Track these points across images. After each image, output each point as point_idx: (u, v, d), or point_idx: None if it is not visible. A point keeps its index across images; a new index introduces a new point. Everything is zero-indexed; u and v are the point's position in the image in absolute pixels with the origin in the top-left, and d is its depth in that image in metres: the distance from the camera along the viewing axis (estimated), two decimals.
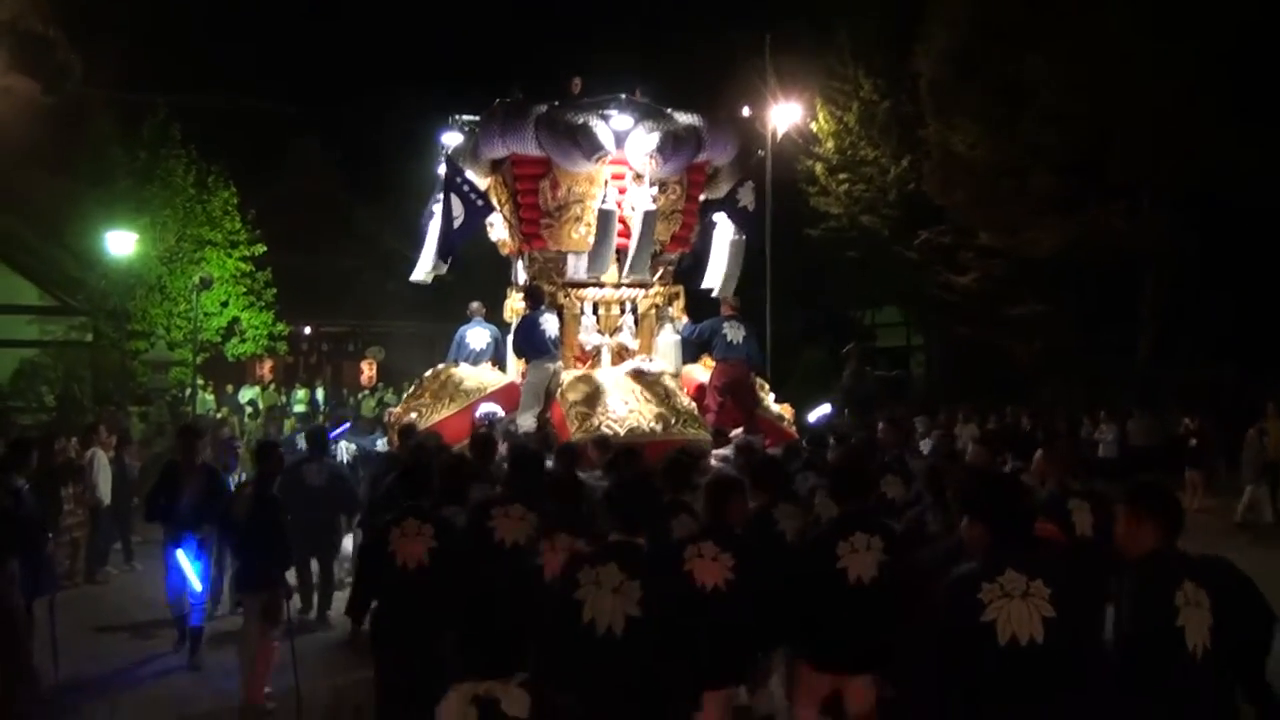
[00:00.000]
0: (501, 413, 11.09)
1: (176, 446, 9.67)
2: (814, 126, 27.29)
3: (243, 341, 26.59)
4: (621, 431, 10.31)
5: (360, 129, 37.64)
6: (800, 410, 14.00)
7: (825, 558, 5.29)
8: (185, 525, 8.94)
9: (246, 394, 28.05)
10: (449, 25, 42.31)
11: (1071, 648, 3.75)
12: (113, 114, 25.19)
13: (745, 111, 26.37)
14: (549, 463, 7.74)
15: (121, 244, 22.21)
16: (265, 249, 26.12)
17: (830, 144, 27.27)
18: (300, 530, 9.02)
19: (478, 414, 11.09)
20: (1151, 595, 3.91)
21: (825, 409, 14.21)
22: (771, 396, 13.15)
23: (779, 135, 25.96)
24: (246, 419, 25.50)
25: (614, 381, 11.24)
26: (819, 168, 27.29)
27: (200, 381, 26.16)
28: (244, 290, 26.16)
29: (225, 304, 25.85)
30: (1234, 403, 20.98)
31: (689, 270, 13.27)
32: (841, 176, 27.18)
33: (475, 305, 13.21)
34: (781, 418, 12.69)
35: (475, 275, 15.97)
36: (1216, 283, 22.97)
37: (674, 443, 9.60)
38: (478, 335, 12.82)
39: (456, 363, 12.61)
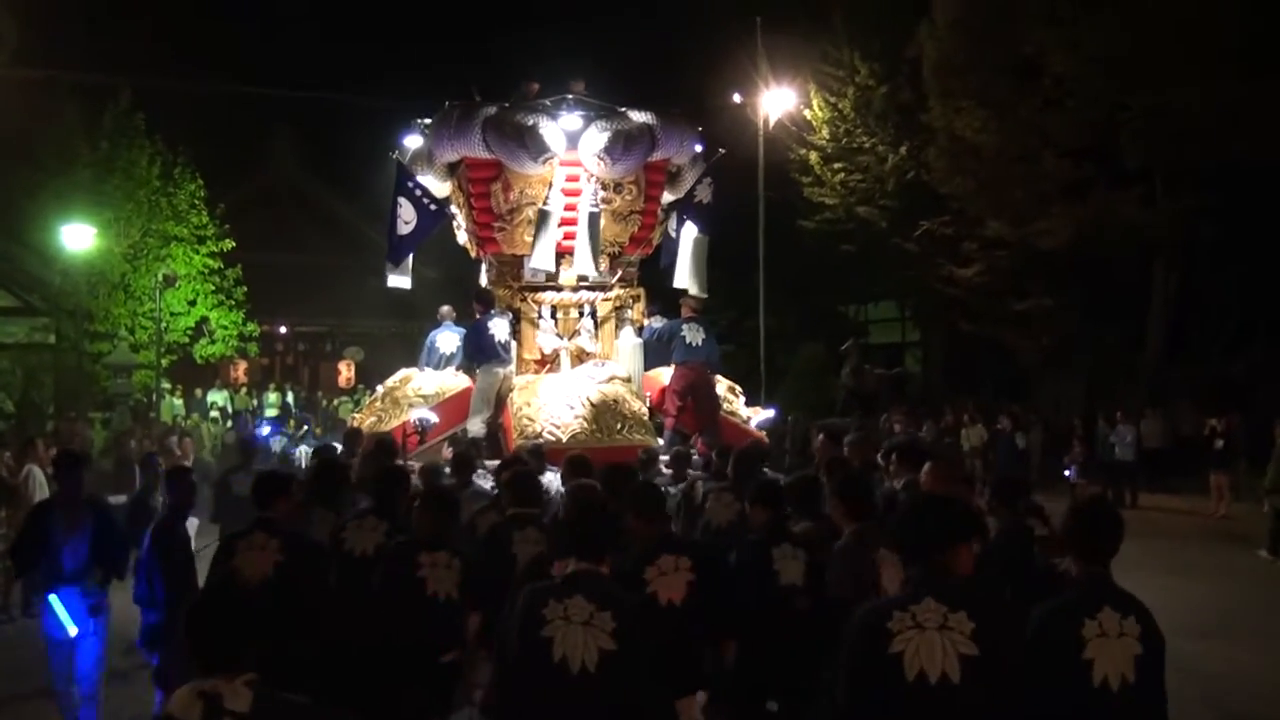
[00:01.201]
0: (434, 418, 10.98)
1: (55, 476, 7.62)
2: (808, 114, 26.32)
3: (212, 342, 25.33)
4: (564, 438, 10.21)
5: (338, 120, 36.45)
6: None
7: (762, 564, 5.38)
8: (63, 578, 6.84)
9: (214, 397, 26.83)
10: (437, 12, 41.26)
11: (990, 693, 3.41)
12: (76, 101, 23.86)
13: (736, 98, 25.67)
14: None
15: (78, 238, 21.03)
16: (234, 244, 24.88)
17: (825, 132, 26.26)
18: None
19: (411, 419, 10.89)
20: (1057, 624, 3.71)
21: (769, 412, 13.42)
22: (742, 400, 12.92)
23: (771, 123, 25.02)
24: (210, 423, 24.41)
25: (562, 386, 11.08)
26: (813, 157, 26.31)
27: (167, 385, 25.05)
28: (212, 288, 24.93)
29: (193, 303, 24.65)
30: (1248, 401, 20.13)
31: (666, 270, 12.87)
32: (837, 166, 26.26)
33: (445, 309, 13.18)
34: (772, 423, 12.56)
35: (458, 275, 15.47)
36: (1229, 275, 22.04)
37: (617, 449, 9.79)
38: (447, 339, 12.72)
39: (423, 367, 12.55)
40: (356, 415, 13.22)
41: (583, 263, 11.23)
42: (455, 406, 11.52)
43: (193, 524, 8.48)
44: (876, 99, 25.75)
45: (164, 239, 24.04)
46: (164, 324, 23.53)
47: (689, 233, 12.33)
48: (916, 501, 3.94)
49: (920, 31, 22.72)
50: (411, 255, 12.21)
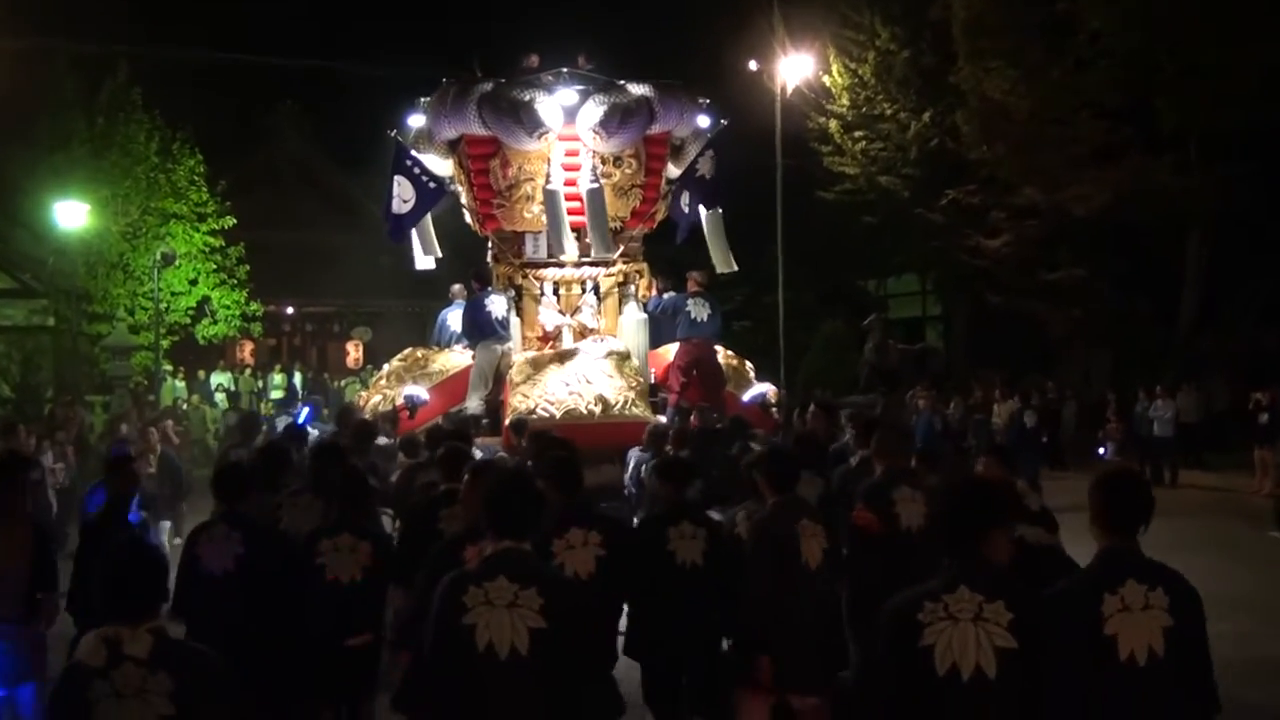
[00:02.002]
0: (425, 396, 11.05)
1: None
2: (827, 81, 25.37)
3: (214, 323, 24.61)
4: (558, 414, 10.18)
5: (343, 95, 35.68)
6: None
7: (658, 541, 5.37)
8: None
9: (218, 379, 26.12)
10: None
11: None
12: (73, 76, 23.09)
13: (752, 66, 24.79)
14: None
15: (72, 216, 20.31)
16: (235, 221, 24.16)
17: (845, 99, 25.31)
18: None
19: (400, 397, 10.96)
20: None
21: (762, 387, 12.96)
22: (752, 375, 12.97)
23: (789, 91, 24.16)
24: (210, 406, 23.72)
25: (560, 362, 11.07)
26: (833, 125, 25.38)
27: (169, 367, 24.38)
28: (214, 267, 24.20)
29: (194, 282, 23.94)
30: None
31: (688, 249, 12.94)
32: (857, 134, 25.34)
33: (456, 288, 13.00)
34: (765, 398, 12.39)
35: (471, 253, 15.31)
36: (1265, 244, 21.13)
37: (612, 424, 9.94)
38: (458, 317, 12.46)
39: (434, 346, 12.63)
40: (362, 394, 13.32)
41: (597, 242, 11.27)
42: (459, 384, 11.49)
43: (164, 526, 7.74)
44: (898, 64, 24.83)
45: (163, 217, 23.36)
46: (164, 304, 22.83)
47: (704, 210, 12.07)
48: (951, 485, 3.61)
49: None
50: (434, 235, 12.22)
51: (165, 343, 23.35)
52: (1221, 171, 20.40)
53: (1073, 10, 20.18)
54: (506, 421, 9.98)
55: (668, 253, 14.00)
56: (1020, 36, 20.87)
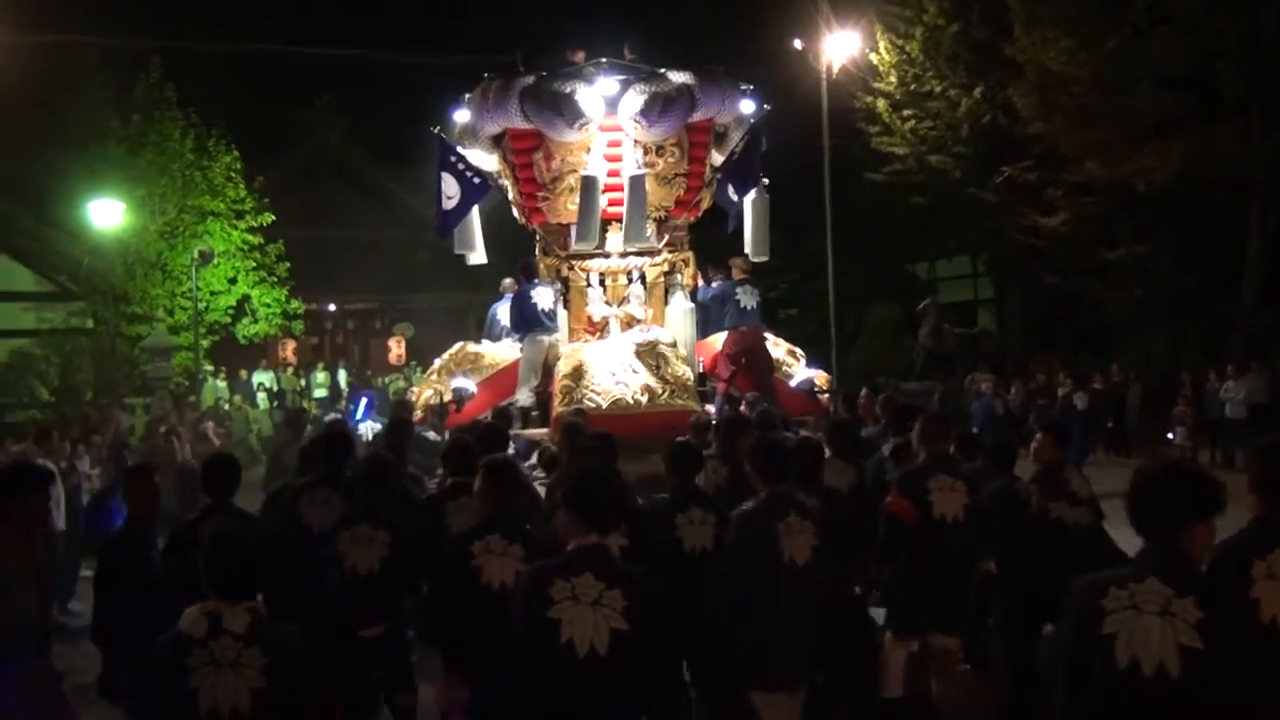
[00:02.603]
0: (473, 388, 11.08)
1: None
2: (874, 58, 24.71)
3: (255, 321, 24.23)
4: (604, 405, 10.11)
5: (381, 91, 35.24)
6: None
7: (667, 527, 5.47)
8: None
9: (260, 378, 25.79)
10: None
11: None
12: (105, 74, 22.75)
13: (797, 45, 24.23)
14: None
15: (107, 215, 19.98)
16: (274, 218, 23.73)
17: (893, 77, 24.62)
18: None
19: (451, 388, 10.99)
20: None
21: (811, 372, 12.70)
22: (802, 363, 12.68)
23: (834, 70, 23.58)
24: (260, 404, 23.39)
25: (605, 353, 10.90)
26: (881, 104, 24.72)
27: (209, 367, 24.09)
28: (253, 265, 23.79)
29: (233, 281, 23.53)
30: None
31: (735, 238, 12.54)
32: (906, 113, 24.68)
33: (507, 281, 12.92)
34: (813, 384, 12.12)
35: (511, 247, 15.01)
36: None
37: (658, 414, 9.86)
38: (508, 311, 12.21)
39: (485, 339, 12.56)
40: (415, 389, 13.26)
41: (633, 231, 11.07)
42: (507, 378, 11.50)
43: None
44: (946, 39, 24.14)
45: (200, 214, 22.93)
46: (203, 303, 22.52)
47: (751, 195, 11.93)
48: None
49: None
50: (479, 229, 12.17)
51: (205, 342, 23.06)
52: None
53: None
54: (555, 414, 9.96)
55: (713, 242, 13.68)
56: (1078, 3, 20.05)
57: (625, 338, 11.31)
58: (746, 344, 11.54)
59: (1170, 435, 18.43)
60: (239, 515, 5.53)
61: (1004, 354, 25.90)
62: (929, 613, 6.04)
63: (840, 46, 23.47)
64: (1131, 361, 22.36)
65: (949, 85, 24.25)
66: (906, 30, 24.61)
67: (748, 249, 12.13)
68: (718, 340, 12.02)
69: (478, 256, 12.44)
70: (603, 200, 11.17)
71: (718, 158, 12.19)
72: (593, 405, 10.03)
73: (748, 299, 11.61)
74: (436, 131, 11.93)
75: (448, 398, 11.01)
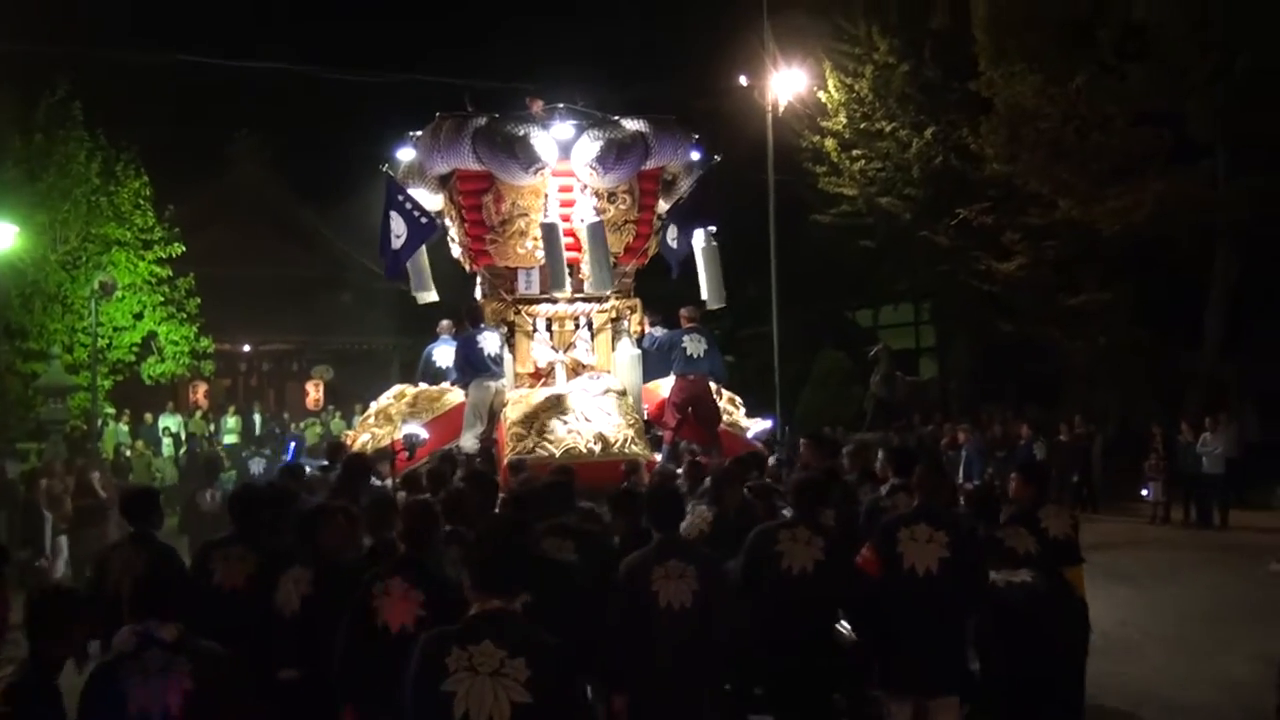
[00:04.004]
0: (424, 434, 10.64)
1: None
2: (822, 96, 23.90)
3: (161, 360, 22.47)
4: (556, 453, 10.09)
5: (305, 125, 33.91)
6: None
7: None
8: None
9: (167, 421, 24.02)
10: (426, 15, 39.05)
11: None
12: (6, 90, 21.02)
13: (742, 81, 23.45)
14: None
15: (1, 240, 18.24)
16: (184, 249, 22.08)
17: (842, 116, 23.83)
18: None
19: (399, 435, 10.60)
20: None
21: (766, 423, 13.43)
22: (742, 412, 12.90)
23: (781, 108, 22.72)
24: (165, 450, 21.69)
25: (556, 400, 10.95)
26: (829, 143, 23.87)
27: (110, 410, 22.34)
28: (161, 300, 22.09)
29: (139, 316, 21.82)
30: None
31: (680, 285, 12.88)
32: (855, 153, 23.86)
33: (445, 324, 13.04)
34: (772, 434, 12.87)
35: (453, 289, 14.74)
36: None
37: (612, 463, 9.73)
38: (445, 354, 12.50)
39: (419, 383, 12.44)
40: (349, 433, 13.42)
41: (598, 278, 11.14)
42: (449, 422, 11.32)
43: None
44: (897, 78, 23.45)
45: (105, 244, 21.27)
46: (106, 340, 20.82)
47: (699, 242, 12.15)
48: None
49: None
50: (427, 268, 12.40)
51: (107, 383, 21.32)
52: (1254, 183, 19.00)
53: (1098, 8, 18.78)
54: (505, 460, 9.81)
55: (659, 289, 13.71)
56: (1043, 37, 19.35)
57: (575, 384, 11.32)
58: (693, 392, 11.53)
59: (1144, 492, 17.56)
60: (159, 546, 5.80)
61: (947, 403, 25.15)
62: (917, 672, 5.68)
63: (787, 84, 22.65)
64: (1078, 412, 21.61)
65: (899, 126, 23.55)
66: (856, 69, 23.94)
67: (705, 296, 12.21)
68: (658, 387, 12.16)
69: (430, 296, 12.50)
70: (563, 246, 11.14)
71: (663, 205, 12.46)
72: (545, 453, 10.00)
73: (695, 346, 11.63)
74: (385, 169, 11.90)
75: (387, 442, 10.85)
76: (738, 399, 13.04)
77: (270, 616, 5.34)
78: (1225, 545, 15.24)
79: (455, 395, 11.82)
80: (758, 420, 13.11)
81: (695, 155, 12.10)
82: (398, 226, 11.39)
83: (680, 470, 9.18)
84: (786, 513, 6.36)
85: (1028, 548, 5.95)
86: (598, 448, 10.26)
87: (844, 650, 6.07)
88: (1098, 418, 20.90)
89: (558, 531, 5.93)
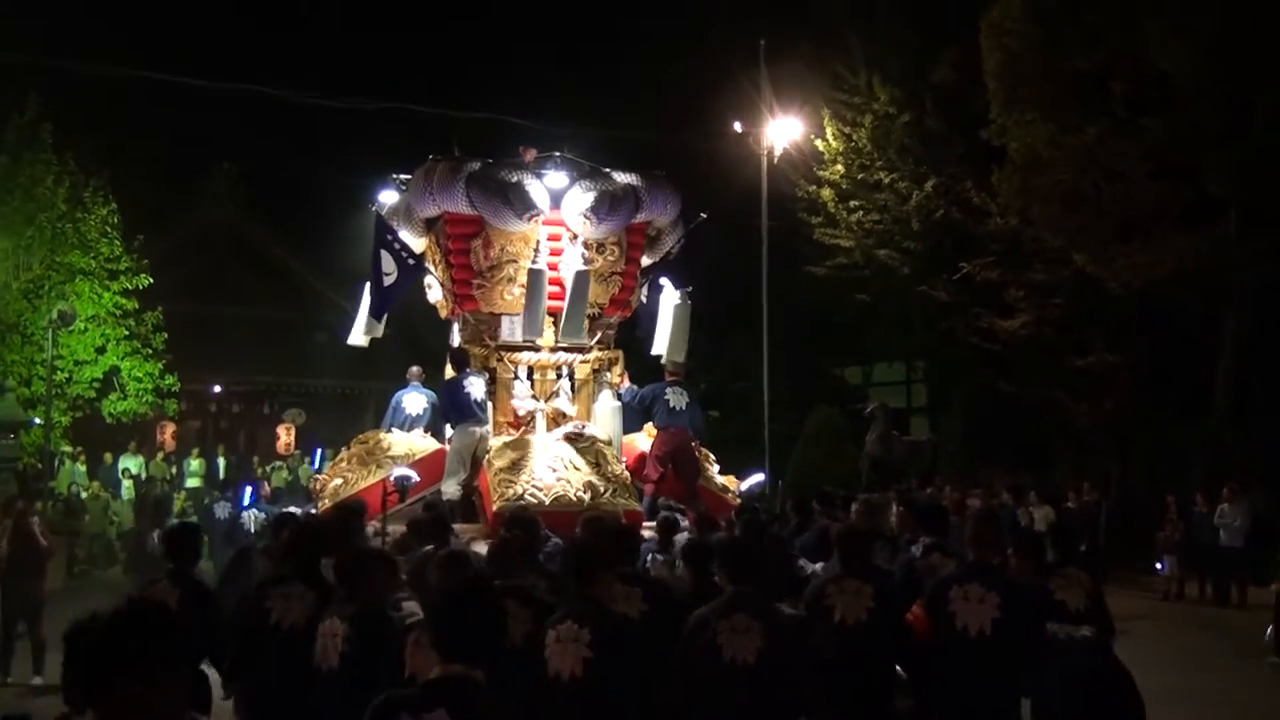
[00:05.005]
0: (416, 477, 10.51)
1: None
2: (820, 145, 23.26)
3: (124, 397, 21.42)
4: (546, 500, 10.17)
5: (282, 161, 33.19)
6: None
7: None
8: None
9: (127, 462, 22.90)
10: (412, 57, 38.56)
11: None
12: None
13: (737, 127, 22.79)
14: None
15: None
16: (152, 281, 21.14)
17: (839, 166, 23.19)
18: None
19: (391, 477, 10.35)
20: None
21: (758, 477, 13.70)
22: (716, 468, 12.95)
23: (776, 155, 22.04)
24: (125, 493, 20.61)
25: (543, 447, 11.02)
26: (826, 193, 23.18)
27: (68, 448, 21.24)
28: (125, 333, 21.10)
29: (102, 350, 20.82)
30: None
31: (642, 338, 12.88)
32: (853, 204, 23.15)
33: (414, 370, 13.01)
34: (726, 489, 12.52)
35: (412, 335, 15.48)
36: None
37: (611, 513, 9.62)
38: (414, 400, 12.52)
39: (389, 428, 12.34)
40: (319, 476, 13.43)
41: (571, 326, 11.24)
42: (426, 468, 11.15)
43: None
44: (897, 129, 22.88)
45: (69, 272, 20.34)
46: (65, 374, 19.80)
47: (669, 298, 12.24)
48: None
49: (982, 26, 19.48)
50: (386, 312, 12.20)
51: (65, 419, 20.29)
52: (1267, 242, 18.33)
53: (1109, 60, 18.18)
54: (494, 507, 10.04)
55: (630, 341, 13.34)
56: (1056, 87, 18.74)
57: (560, 433, 11.30)
58: (674, 445, 11.59)
59: (1159, 565, 16.66)
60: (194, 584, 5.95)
61: (937, 465, 24.32)
62: None
63: (784, 131, 22.00)
64: (1072, 476, 20.82)
65: (899, 177, 22.95)
66: (855, 118, 23.38)
67: (660, 349, 12.23)
68: (634, 440, 12.31)
69: (360, 338, 12.39)
70: (546, 295, 11.22)
71: (645, 259, 12.48)
72: (535, 500, 10.02)
73: (677, 399, 11.72)
74: (374, 208, 12.03)
75: (360, 487, 10.83)
76: (710, 454, 13.04)
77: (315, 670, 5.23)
78: (1255, 627, 14.12)
79: (410, 442, 11.89)
80: (749, 474, 13.41)
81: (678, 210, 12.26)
82: (388, 265, 11.43)
83: (655, 525, 9.23)
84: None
85: (1078, 604, 5.83)
86: (587, 496, 10.29)
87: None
88: (1099, 484, 20.10)
89: (627, 580, 5.76)
